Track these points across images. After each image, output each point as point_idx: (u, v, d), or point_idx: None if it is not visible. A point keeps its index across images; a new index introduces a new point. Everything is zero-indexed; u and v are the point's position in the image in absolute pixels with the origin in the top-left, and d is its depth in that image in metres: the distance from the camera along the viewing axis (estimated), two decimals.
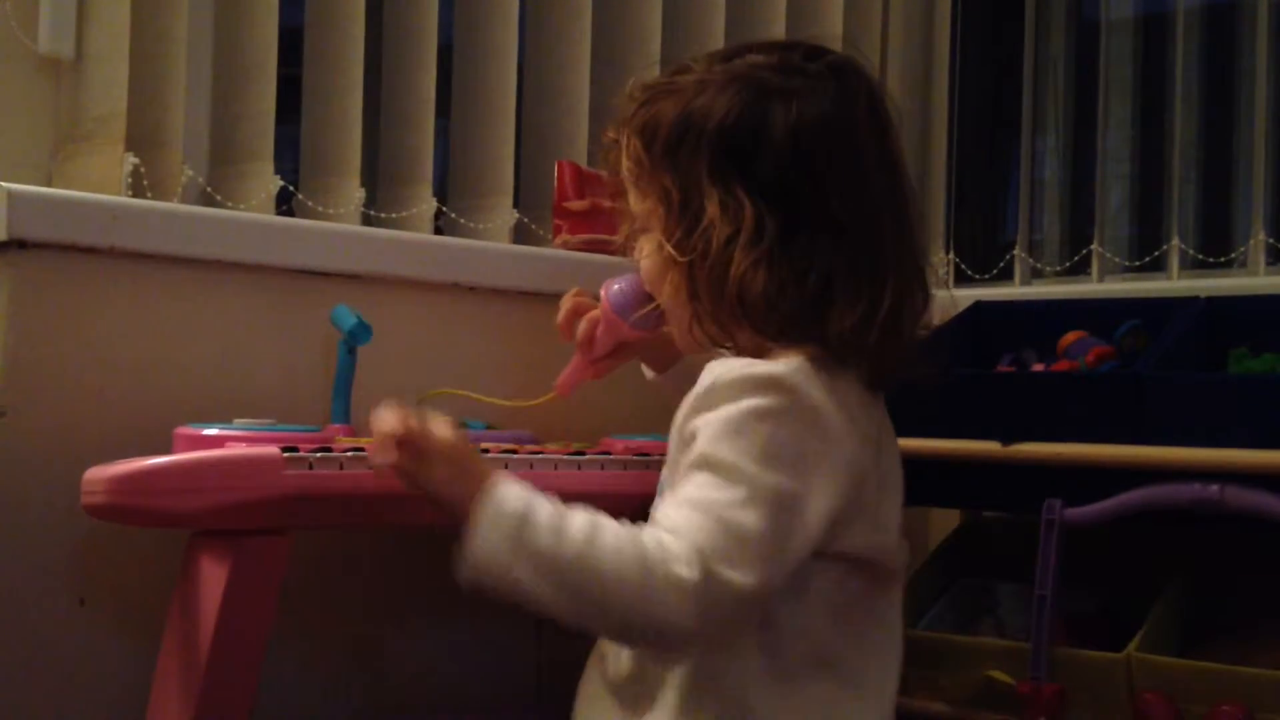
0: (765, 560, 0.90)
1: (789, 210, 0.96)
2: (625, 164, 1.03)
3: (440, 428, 0.92)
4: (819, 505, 0.93)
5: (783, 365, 0.94)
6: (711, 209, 0.96)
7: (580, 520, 0.90)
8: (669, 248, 0.98)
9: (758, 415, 0.92)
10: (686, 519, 0.90)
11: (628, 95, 1.04)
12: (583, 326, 1.14)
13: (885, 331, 0.96)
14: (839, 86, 0.99)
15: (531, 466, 1.07)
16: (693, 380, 0.98)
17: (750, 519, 0.90)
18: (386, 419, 0.92)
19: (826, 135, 0.97)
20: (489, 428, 1.24)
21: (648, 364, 1.20)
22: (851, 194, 0.97)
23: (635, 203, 1.03)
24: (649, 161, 1.00)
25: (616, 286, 1.11)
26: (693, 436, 0.94)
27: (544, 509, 0.90)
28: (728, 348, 1.00)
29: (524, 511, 0.89)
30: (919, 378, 1.00)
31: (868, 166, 0.98)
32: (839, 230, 0.96)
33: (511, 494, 0.90)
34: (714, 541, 0.89)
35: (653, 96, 1.01)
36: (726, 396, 0.93)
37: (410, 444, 0.91)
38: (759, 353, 0.97)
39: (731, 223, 0.95)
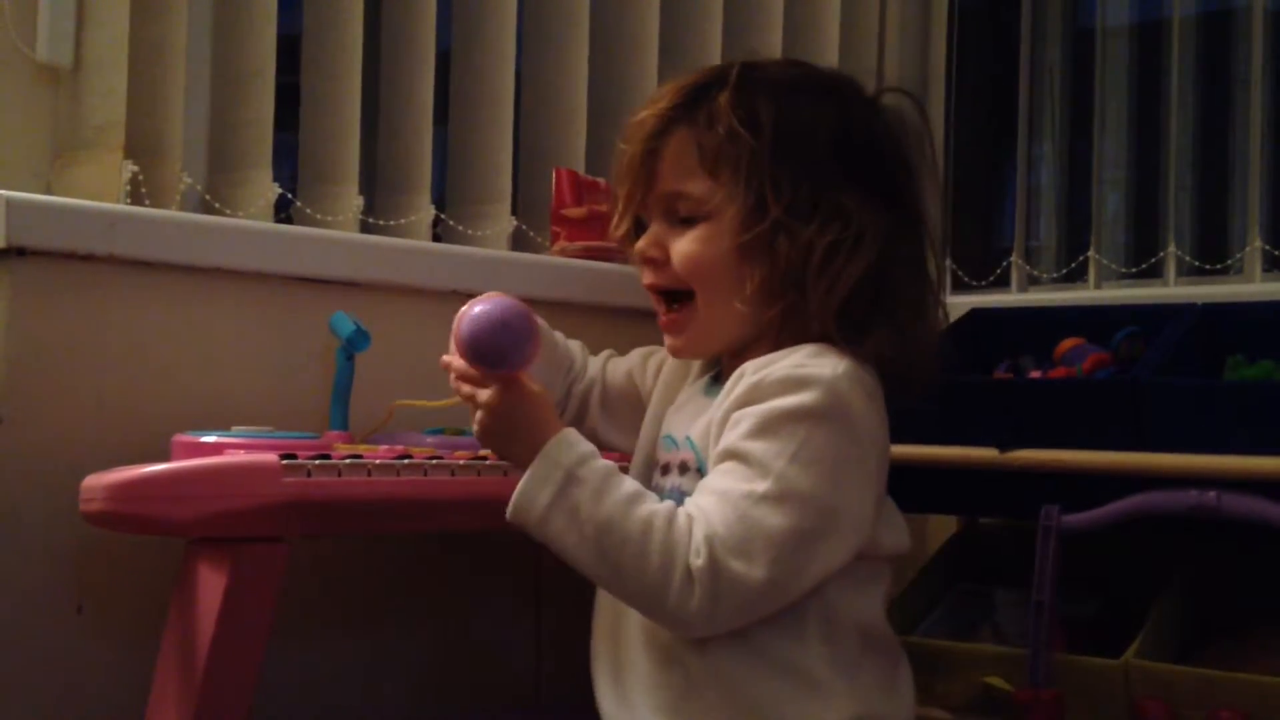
0: (779, 558, 0.92)
1: (887, 215, 1.01)
2: (699, 149, 1.02)
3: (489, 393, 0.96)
4: (854, 508, 0.96)
5: (829, 368, 0.96)
6: (820, 206, 1.00)
7: (626, 487, 0.93)
8: (745, 236, 0.99)
9: (797, 416, 0.94)
10: (708, 505, 0.93)
11: (703, 83, 1.05)
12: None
13: (927, 338, 1.03)
14: (899, 110, 1.08)
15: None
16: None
17: (770, 516, 0.92)
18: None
19: (910, 149, 1.06)
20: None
21: None
22: (922, 207, 1.05)
23: (699, 187, 1.02)
24: (746, 153, 1.00)
25: (467, 327, 0.95)
26: (736, 424, 0.96)
27: (596, 468, 0.93)
28: (759, 345, 1.02)
29: (571, 468, 0.92)
30: (926, 388, 1.03)
31: (924, 184, 1.06)
32: (918, 241, 1.04)
33: (563, 450, 0.93)
34: (728, 532, 0.91)
35: (747, 87, 1.03)
36: (771, 393, 0.95)
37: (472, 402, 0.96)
38: (796, 348, 0.99)
39: (839, 223, 0.99)
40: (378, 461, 0.99)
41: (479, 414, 0.97)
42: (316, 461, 0.96)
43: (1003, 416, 1.31)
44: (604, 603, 1.07)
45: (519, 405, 0.96)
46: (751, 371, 0.98)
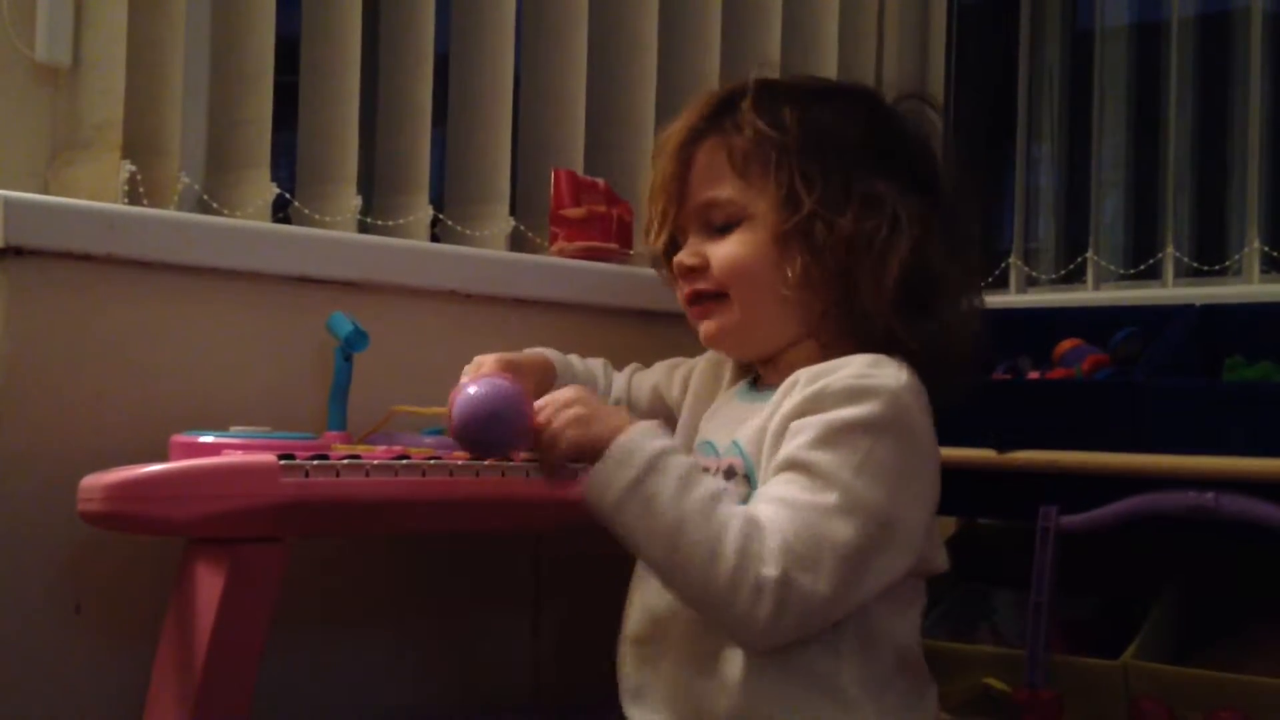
0: (844, 572, 0.91)
1: (920, 201, 1.02)
2: (728, 154, 1.04)
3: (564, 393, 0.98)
4: (911, 522, 0.96)
5: (893, 380, 0.96)
6: (853, 195, 1.01)
7: (708, 485, 0.92)
8: (782, 229, 1.01)
9: (862, 427, 0.94)
10: (778, 515, 0.92)
11: (726, 94, 1.07)
12: None
13: (968, 328, 1.05)
14: (919, 111, 1.10)
15: (528, 474, 1.07)
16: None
17: (839, 528, 0.91)
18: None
19: (934, 143, 1.08)
20: None
21: None
22: (952, 198, 1.07)
23: (731, 191, 1.04)
24: (773, 150, 1.02)
25: (460, 414, 0.96)
26: (797, 433, 0.95)
27: (680, 461, 0.92)
28: (803, 348, 1.03)
29: (655, 457, 0.91)
30: (966, 384, 1.05)
31: (949, 177, 1.08)
32: (952, 232, 1.05)
33: (647, 439, 0.93)
34: (800, 543, 0.90)
35: (769, 92, 1.05)
36: (833, 403, 0.95)
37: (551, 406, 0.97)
38: (842, 352, 1.00)
39: (875, 209, 1.00)
40: (376, 462, 0.99)
41: (562, 410, 0.96)
42: (314, 462, 0.95)
43: (1001, 417, 1.31)
44: (637, 606, 1.07)
45: (594, 396, 0.98)
46: (807, 380, 0.98)
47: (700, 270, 1.06)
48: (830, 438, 0.93)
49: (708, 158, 1.06)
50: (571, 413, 0.96)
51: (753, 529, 0.90)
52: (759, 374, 1.11)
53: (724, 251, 1.05)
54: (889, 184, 1.02)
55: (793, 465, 0.94)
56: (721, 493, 0.92)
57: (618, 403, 1.19)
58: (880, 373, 0.96)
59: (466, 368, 1.10)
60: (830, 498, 0.91)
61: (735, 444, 1.02)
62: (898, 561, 0.96)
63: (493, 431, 0.95)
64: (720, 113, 1.06)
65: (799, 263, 1.01)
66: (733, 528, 0.90)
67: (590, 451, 0.95)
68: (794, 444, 0.95)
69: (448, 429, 0.98)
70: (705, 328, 1.08)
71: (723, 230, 1.05)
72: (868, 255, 1.00)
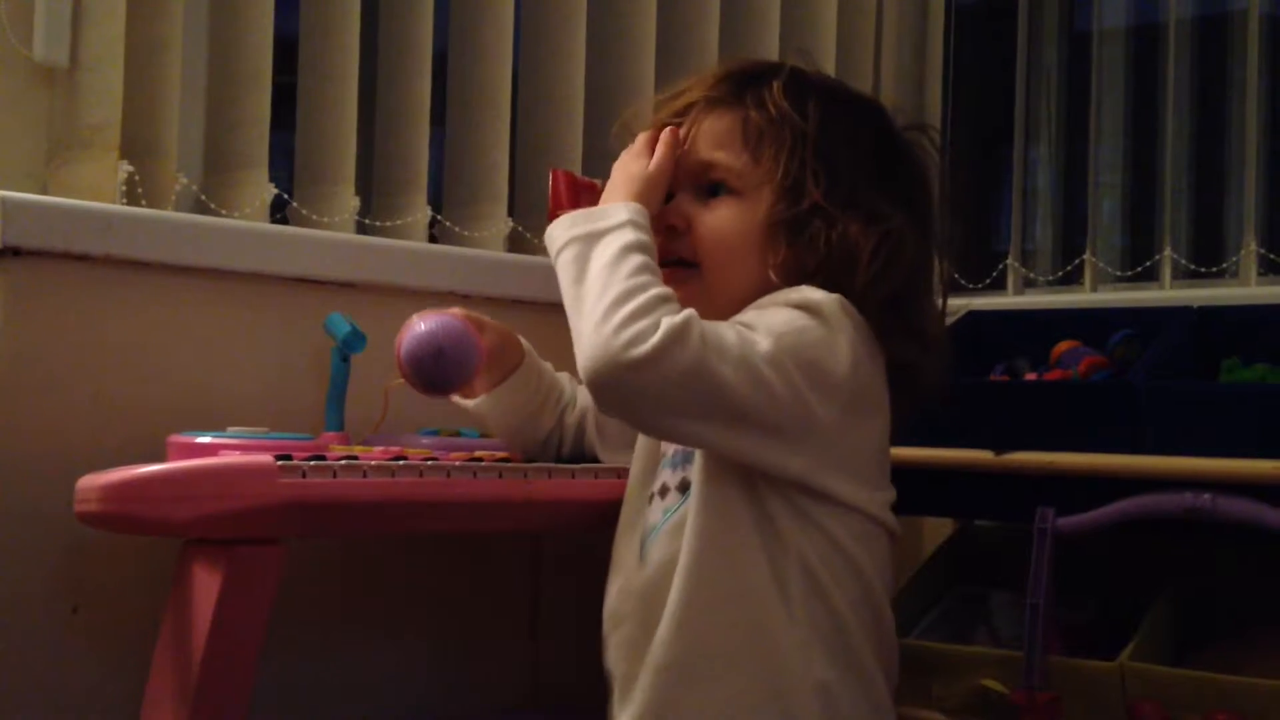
0: (744, 369, 0.93)
1: (917, 233, 1.06)
2: (744, 125, 1.06)
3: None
4: (815, 411, 0.97)
5: (823, 295, 0.99)
6: (858, 205, 1.04)
7: (650, 259, 0.98)
8: (779, 215, 1.03)
9: (795, 314, 0.98)
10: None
11: (753, 70, 1.10)
12: None
13: (938, 344, 1.08)
14: (919, 139, 1.14)
15: (526, 476, 1.07)
16: (522, 411, 1.11)
17: (758, 347, 0.94)
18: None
19: (929, 171, 1.12)
20: (483, 436, 1.24)
21: (478, 380, 1.15)
22: (933, 223, 1.11)
23: (738, 160, 1.06)
24: (790, 137, 1.04)
25: (408, 345, 1.00)
26: None
27: (635, 235, 0.98)
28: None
29: (622, 224, 0.98)
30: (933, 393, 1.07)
31: (935, 206, 1.13)
32: (929, 254, 1.10)
33: (626, 212, 1.00)
34: (711, 328, 0.94)
35: (798, 83, 1.08)
36: (772, 303, 1.00)
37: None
38: None
39: (879, 224, 1.03)
40: (373, 463, 0.99)
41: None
42: (312, 463, 0.96)
43: (998, 419, 1.31)
44: (611, 594, 1.07)
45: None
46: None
47: (680, 233, 1.07)
48: (762, 321, 0.98)
49: (720, 123, 1.07)
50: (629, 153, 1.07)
51: (672, 299, 0.95)
52: None
53: (710, 221, 1.06)
54: (890, 203, 1.04)
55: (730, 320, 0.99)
56: (658, 269, 0.98)
57: (583, 414, 1.21)
58: (810, 290, 1.00)
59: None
60: (762, 347, 0.95)
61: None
62: (777, 451, 0.97)
63: (439, 369, 0.96)
64: (743, 86, 1.07)
65: (782, 253, 1.03)
66: (655, 289, 0.94)
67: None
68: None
69: (397, 363, 0.99)
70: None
71: (714, 194, 1.06)
72: (866, 264, 1.01)
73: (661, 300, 0.93)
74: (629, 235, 0.98)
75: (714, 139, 1.07)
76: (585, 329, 0.93)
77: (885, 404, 1.04)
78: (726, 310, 1.04)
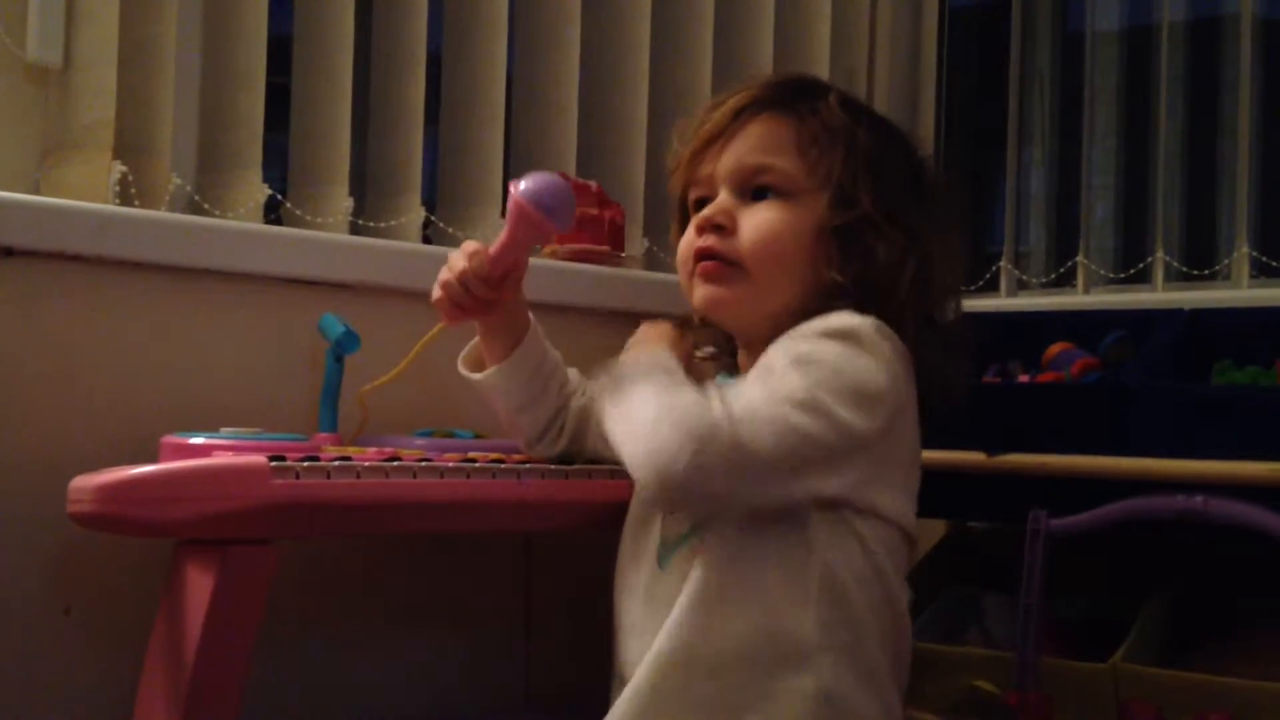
0: (785, 446, 0.94)
1: (945, 253, 1.08)
2: (797, 131, 1.07)
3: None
4: (864, 439, 0.98)
5: (857, 319, 1.00)
6: (896, 222, 1.05)
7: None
8: (833, 222, 1.05)
9: (828, 351, 0.98)
10: (738, 393, 0.97)
11: (804, 83, 1.13)
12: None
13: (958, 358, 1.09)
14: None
15: (519, 477, 1.07)
16: (530, 387, 1.12)
17: (791, 412, 0.95)
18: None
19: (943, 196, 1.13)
20: (477, 436, 1.24)
21: (488, 349, 1.16)
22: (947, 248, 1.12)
23: (791, 164, 1.07)
24: (844, 147, 1.06)
25: (528, 185, 1.07)
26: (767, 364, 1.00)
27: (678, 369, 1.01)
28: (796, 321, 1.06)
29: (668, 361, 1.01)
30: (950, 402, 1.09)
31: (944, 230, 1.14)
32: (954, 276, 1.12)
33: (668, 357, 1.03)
34: (748, 410, 0.94)
35: (852, 100, 1.12)
36: (804, 337, 1.00)
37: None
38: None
39: (917, 242, 1.06)
40: (367, 464, 0.99)
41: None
42: (305, 463, 0.96)
43: (991, 420, 1.31)
44: (624, 607, 1.07)
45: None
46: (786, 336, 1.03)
47: (727, 233, 1.07)
48: (796, 357, 0.98)
49: (769, 128, 1.08)
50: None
51: (710, 399, 0.95)
52: (737, 365, 1.14)
53: (760, 222, 1.06)
54: (925, 224, 1.07)
55: (761, 369, 0.99)
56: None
57: (587, 403, 1.20)
58: (847, 316, 1.01)
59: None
60: (786, 388, 0.96)
61: None
62: (834, 478, 0.98)
63: (561, 196, 1.05)
64: (796, 96, 1.09)
65: (835, 260, 1.05)
66: (692, 395, 0.96)
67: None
68: (765, 358, 1.00)
69: (517, 205, 1.06)
70: (711, 292, 1.08)
71: (760, 196, 1.07)
72: (900, 281, 1.04)
73: (702, 404, 0.94)
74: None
75: (766, 143, 1.07)
76: (636, 440, 0.96)
77: (918, 417, 1.05)
78: (771, 317, 1.05)
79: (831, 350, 0.98)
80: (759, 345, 1.05)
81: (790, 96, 1.09)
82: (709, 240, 1.07)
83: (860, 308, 1.02)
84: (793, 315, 1.04)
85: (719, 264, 1.06)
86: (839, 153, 1.06)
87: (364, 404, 1.16)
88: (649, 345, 1.07)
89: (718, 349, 1.17)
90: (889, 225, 1.05)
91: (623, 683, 1.03)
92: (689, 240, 1.10)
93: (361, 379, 1.18)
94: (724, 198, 1.08)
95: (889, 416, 1.00)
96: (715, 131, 1.08)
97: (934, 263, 1.07)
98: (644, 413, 0.95)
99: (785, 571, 0.98)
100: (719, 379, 1.13)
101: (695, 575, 0.99)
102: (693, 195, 1.12)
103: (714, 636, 0.98)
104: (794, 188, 1.06)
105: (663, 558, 1.03)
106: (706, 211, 1.08)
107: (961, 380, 1.09)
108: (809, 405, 0.95)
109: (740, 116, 1.08)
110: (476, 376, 1.16)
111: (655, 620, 1.01)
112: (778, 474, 0.96)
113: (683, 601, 0.99)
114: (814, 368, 0.97)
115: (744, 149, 1.07)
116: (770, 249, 1.05)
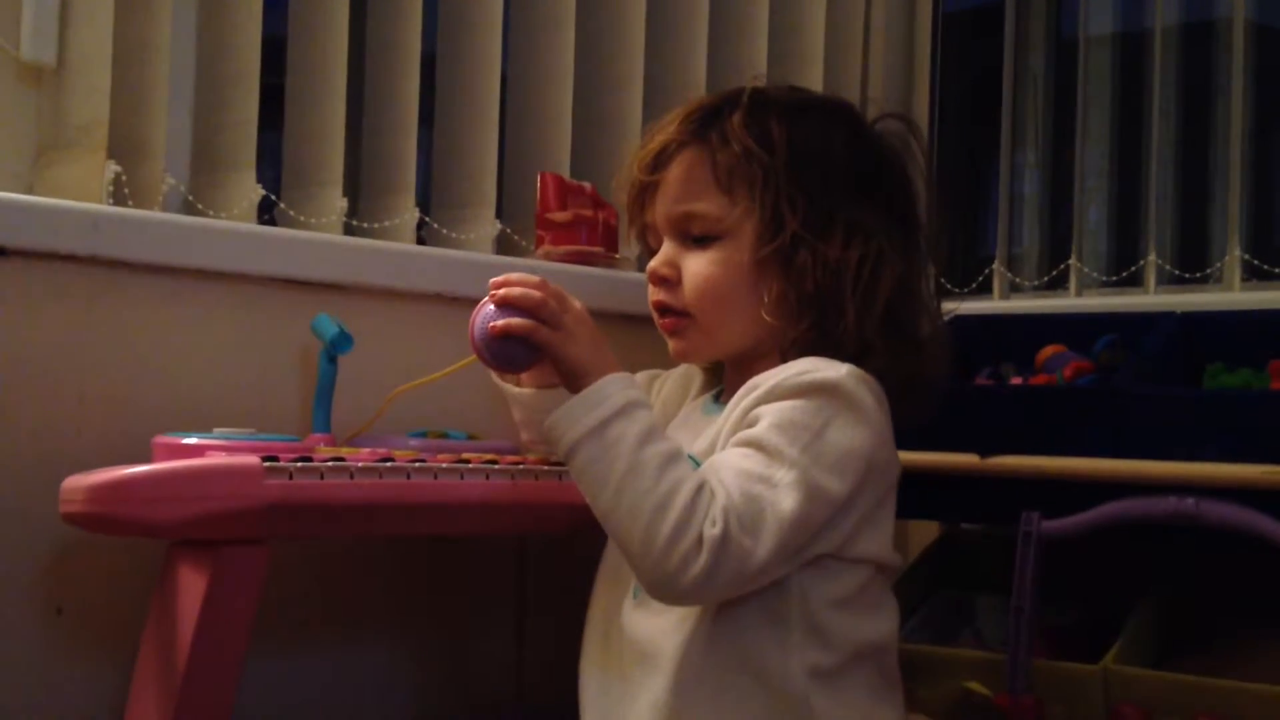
0: (782, 539, 0.94)
1: (898, 232, 1.05)
2: (713, 167, 1.05)
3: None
4: (852, 499, 0.98)
5: (833, 371, 0.99)
6: (838, 222, 1.03)
7: (670, 444, 0.95)
8: (762, 252, 1.02)
9: (814, 412, 0.97)
10: (725, 481, 0.95)
11: (712, 106, 1.08)
12: None
13: (934, 352, 1.07)
14: (898, 132, 1.11)
15: (513, 478, 1.07)
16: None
17: (783, 499, 0.94)
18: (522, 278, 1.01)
19: (910, 169, 1.10)
20: (471, 438, 1.24)
21: (538, 370, 1.15)
22: (921, 226, 1.10)
23: (714, 205, 1.05)
24: (760, 170, 1.03)
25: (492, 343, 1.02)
26: (753, 423, 0.98)
27: (648, 415, 0.95)
28: (768, 359, 1.05)
29: (625, 406, 0.94)
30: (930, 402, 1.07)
31: (920, 204, 1.11)
32: (920, 260, 1.08)
33: (622, 388, 0.95)
34: (744, 509, 0.93)
35: (758, 109, 1.06)
36: (786, 394, 0.98)
37: (560, 298, 0.99)
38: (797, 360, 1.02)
39: (861, 239, 1.03)
40: (360, 464, 0.99)
41: (581, 320, 0.99)
42: (298, 464, 0.95)
43: (984, 423, 1.31)
44: (596, 615, 1.07)
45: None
46: (755, 386, 1.00)
47: (673, 284, 1.07)
48: (784, 423, 0.97)
49: (689, 169, 1.06)
50: (587, 329, 0.99)
51: (703, 489, 0.94)
52: (724, 387, 1.13)
53: (698, 270, 1.05)
54: (871, 212, 1.04)
55: (747, 442, 0.97)
56: (678, 453, 0.95)
57: None
58: (826, 366, 1.00)
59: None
60: (779, 472, 0.95)
61: (690, 457, 1.03)
62: (833, 536, 0.99)
63: (517, 346, 1.00)
64: (707, 124, 1.06)
65: (775, 288, 1.03)
66: (685, 487, 0.93)
67: (573, 372, 0.97)
68: (755, 428, 0.98)
69: (472, 345, 1.03)
70: (674, 345, 1.10)
71: (699, 242, 1.06)
72: (851, 284, 1.02)
73: (694, 500, 0.93)
74: (640, 421, 0.95)
75: (687, 188, 1.06)
76: (634, 550, 0.94)
77: (897, 458, 1.05)
78: (738, 347, 1.06)
79: (816, 415, 0.97)
80: (743, 365, 1.07)
81: (700, 127, 1.07)
82: (659, 294, 1.08)
83: (824, 328, 1.02)
84: (759, 341, 1.05)
85: (673, 318, 1.07)
86: (756, 177, 1.03)
87: (388, 403, 1.16)
88: (601, 353, 1.01)
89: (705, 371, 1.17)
90: (823, 232, 1.03)
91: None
92: (650, 295, 1.11)
93: (355, 380, 1.18)
94: (667, 247, 1.08)
95: (874, 470, 1.00)
96: (642, 184, 1.09)
97: (883, 251, 1.03)
98: (641, 509, 0.92)
99: (765, 614, 0.99)
100: (703, 405, 1.13)
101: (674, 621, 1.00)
102: (649, 241, 1.12)
103: (700, 677, 0.99)
104: (720, 228, 1.05)
105: (636, 589, 1.03)
106: (651, 265, 1.08)
107: (934, 393, 1.08)
108: (802, 486, 0.95)
109: (659, 164, 1.07)
110: (513, 390, 1.19)
111: (621, 654, 1.03)
112: (781, 567, 0.97)
113: (665, 666, 0.99)
114: (800, 433, 0.96)
115: (670, 198, 1.07)
116: (709, 296, 1.05)
